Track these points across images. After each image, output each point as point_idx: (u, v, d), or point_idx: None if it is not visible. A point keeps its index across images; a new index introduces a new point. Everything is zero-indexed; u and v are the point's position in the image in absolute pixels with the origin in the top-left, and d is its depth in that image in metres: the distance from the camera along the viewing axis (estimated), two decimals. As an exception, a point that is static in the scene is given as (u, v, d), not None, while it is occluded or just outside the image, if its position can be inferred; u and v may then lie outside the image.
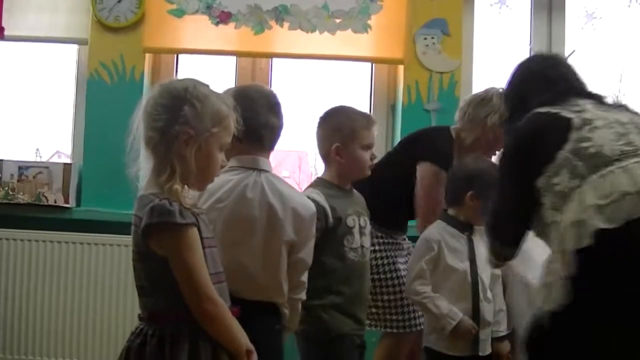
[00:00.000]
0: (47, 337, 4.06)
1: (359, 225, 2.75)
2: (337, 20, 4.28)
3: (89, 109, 4.25)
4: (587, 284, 2.00)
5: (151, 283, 1.93)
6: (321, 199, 2.65)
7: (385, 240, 3.35)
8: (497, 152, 3.43)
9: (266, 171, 2.38)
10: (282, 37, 4.30)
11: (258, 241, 2.30)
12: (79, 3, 4.34)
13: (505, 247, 2.43)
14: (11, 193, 4.13)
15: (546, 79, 2.42)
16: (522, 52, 4.60)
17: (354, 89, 4.60)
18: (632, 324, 1.97)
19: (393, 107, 4.45)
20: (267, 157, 2.43)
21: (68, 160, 4.43)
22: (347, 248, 2.69)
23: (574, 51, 4.36)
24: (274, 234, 2.31)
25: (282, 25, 4.28)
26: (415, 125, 4.06)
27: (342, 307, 2.66)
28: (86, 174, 4.22)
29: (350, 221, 2.71)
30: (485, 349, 2.93)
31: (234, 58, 4.49)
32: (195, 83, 2.01)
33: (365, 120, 2.80)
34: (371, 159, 2.80)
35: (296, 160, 5.94)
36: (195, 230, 1.89)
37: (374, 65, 4.52)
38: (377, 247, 3.24)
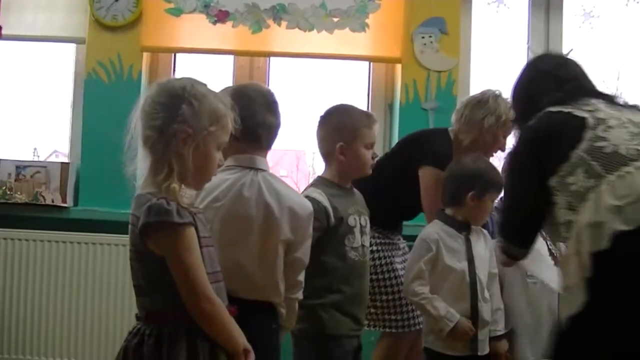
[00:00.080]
0: (45, 337, 4.06)
1: (360, 224, 2.75)
2: (335, 19, 4.28)
3: (86, 108, 4.25)
4: (603, 285, 2.00)
5: (148, 282, 1.93)
6: (323, 198, 2.65)
7: (383, 241, 3.35)
8: (494, 154, 3.44)
9: (263, 170, 2.37)
10: (279, 36, 4.30)
11: (255, 240, 2.29)
12: (76, 2, 4.34)
13: (517, 247, 2.43)
14: (9, 192, 4.13)
15: (556, 78, 2.41)
16: (519, 51, 4.62)
17: (352, 88, 4.60)
18: None
19: (391, 106, 4.45)
20: (265, 156, 2.42)
21: (65, 160, 4.42)
22: (348, 247, 2.69)
23: (571, 50, 4.35)
24: (270, 233, 2.30)
25: (279, 24, 4.28)
26: (413, 124, 4.07)
27: (341, 306, 2.66)
28: (84, 173, 4.21)
29: (351, 220, 2.71)
30: (484, 349, 2.93)
31: (231, 57, 4.48)
32: (193, 82, 2.00)
33: (367, 118, 2.80)
34: (372, 158, 2.80)
35: (294, 159, 5.94)
36: (192, 229, 1.89)
37: (371, 64, 4.52)
38: (374, 248, 3.23)
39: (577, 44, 4.46)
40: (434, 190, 3.21)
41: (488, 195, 2.97)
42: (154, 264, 1.88)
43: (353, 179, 2.83)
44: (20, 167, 4.18)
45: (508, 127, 3.39)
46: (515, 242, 2.43)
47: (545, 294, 3.09)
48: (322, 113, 2.82)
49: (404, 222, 3.57)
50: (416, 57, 4.27)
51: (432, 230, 2.99)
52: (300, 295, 2.42)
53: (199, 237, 1.90)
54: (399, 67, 4.34)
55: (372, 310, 3.28)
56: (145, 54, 4.32)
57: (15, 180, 4.15)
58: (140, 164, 1.99)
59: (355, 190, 2.85)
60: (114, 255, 4.04)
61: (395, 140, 4.21)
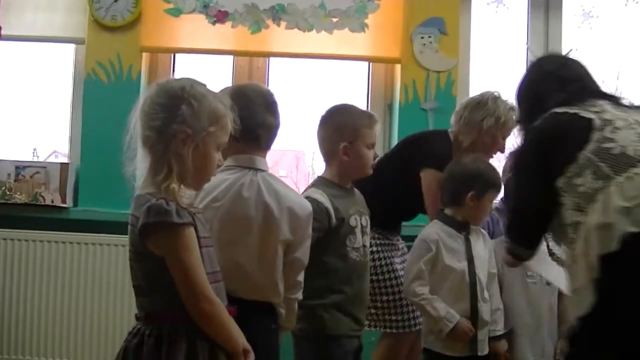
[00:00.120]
0: (44, 337, 4.06)
1: (361, 224, 2.75)
2: (334, 20, 4.28)
3: (86, 109, 4.25)
4: (612, 286, 2.00)
5: (148, 283, 1.93)
6: (324, 199, 2.65)
7: (382, 241, 3.36)
8: (494, 155, 3.44)
9: (263, 170, 2.37)
10: (279, 36, 4.30)
11: (254, 240, 2.29)
12: (75, 2, 4.34)
13: (523, 248, 2.43)
14: (8, 193, 4.13)
15: (560, 79, 2.41)
16: (519, 51, 4.62)
17: (351, 88, 4.60)
18: None
19: (390, 106, 4.45)
20: (264, 156, 2.42)
21: (65, 160, 4.42)
22: (349, 248, 2.69)
23: (571, 50, 4.35)
24: (269, 233, 2.30)
25: (279, 25, 4.28)
26: (413, 124, 4.07)
27: (342, 307, 2.65)
28: (83, 173, 4.22)
29: (352, 221, 2.71)
30: (484, 349, 2.93)
31: (231, 57, 4.49)
32: (192, 82, 2.00)
33: (369, 118, 2.79)
34: (373, 158, 2.80)
35: (293, 159, 5.93)
36: (192, 230, 1.89)
37: (371, 64, 4.52)
38: (374, 248, 3.23)
39: (576, 44, 4.46)
40: (437, 192, 3.21)
41: (487, 195, 2.97)
42: (154, 264, 1.88)
43: (353, 179, 2.83)
44: (19, 167, 4.18)
45: (507, 128, 3.40)
46: (522, 243, 2.43)
47: (545, 293, 3.10)
48: (323, 113, 2.81)
49: (403, 223, 3.57)
50: (415, 58, 4.27)
51: (431, 230, 2.99)
52: (299, 295, 2.41)
53: (198, 237, 1.90)
54: (398, 67, 4.35)
55: (373, 310, 3.28)
56: (144, 54, 4.32)
57: (15, 181, 4.15)
58: (139, 165, 1.99)
59: (355, 190, 2.85)
60: (113, 255, 4.04)
61: (395, 140, 4.22)
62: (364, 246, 2.76)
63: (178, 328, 1.89)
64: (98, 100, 4.19)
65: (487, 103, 3.39)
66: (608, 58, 4.61)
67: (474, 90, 4.33)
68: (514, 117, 3.42)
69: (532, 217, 2.35)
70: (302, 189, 2.97)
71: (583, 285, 2.05)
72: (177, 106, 1.93)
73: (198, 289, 1.86)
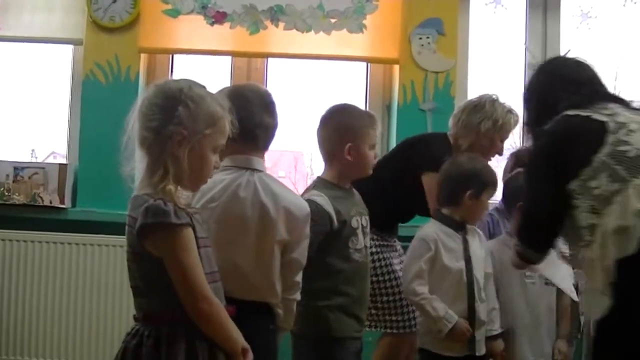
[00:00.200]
0: (43, 338, 4.06)
1: (362, 225, 2.74)
2: (333, 20, 4.28)
3: (84, 110, 4.25)
4: (628, 289, 2.01)
5: (146, 283, 1.93)
6: (325, 202, 2.63)
7: (380, 242, 3.36)
8: (492, 158, 3.44)
9: (260, 171, 2.36)
10: (277, 37, 4.30)
11: (250, 241, 2.29)
12: (74, 3, 4.33)
13: (534, 252, 2.43)
14: (6, 194, 4.13)
15: (570, 81, 2.40)
16: (517, 52, 4.62)
17: (350, 89, 4.60)
18: None
19: (388, 107, 4.45)
20: (262, 157, 2.42)
21: (63, 161, 4.42)
22: (352, 249, 2.68)
23: (569, 51, 4.35)
24: (266, 233, 2.29)
25: (277, 25, 4.28)
26: (411, 125, 4.08)
27: (347, 308, 2.65)
28: (82, 174, 4.22)
29: (354, 222, 2.70)
30: (481, 349, 2.93)
31: (229, 58, 4.49)
32: (190, 84, 2.00)
33: (370, 119, 2.78)
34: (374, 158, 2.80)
35: (292, 160, 5.94)
36: (190, 230, 1.89)
37: (369, 65, 4.53)
38: (373, 249, 3.23)
39: (574, 45, 4.46)
40: (439, 194, 3.22)
41: (485, 193, 2.97)
42: (152, 265, 1.87)
43: (353, 180, 2.82)
44: (18, 168, 4.18)
45: (505, 131, 3.42)
46: (533, 247, 2.43)
47: (544, 293, 3.10)
48: (324, 113, 2.79)
49: (399, 224, 3.57)
50: (414, 58, 4.28)
51: (430, 230, 2.99)
52: (297, 296, 2.41)
53: (196, 237, 1.90)
54: (396, 68, 4.35)
55: (373, 311, 3.28)
56: (142, 55, 4.32)
57: (13, 182, 4.15)
58: (137, 165, 1.99)
59: (354, 190, 2.85)
60: (111, 256, 4.04)
61: (393, 141, 4.22)
62: (365, 247, 2.76)
63: (177, 328, 1.89)
64: (96, 101, 4.19)
65: (484, 106, 3.41)
66: (606, 58, 4.61)
67: (472, 91, 4.35)
68: (511, 120, 3.43)
69: (544, 221, 2.34)
70: (300, 190, 2.97)
71: (599, 289, 2.05)
72: (174, 107, 1.93)
73: (196, 289, 1.86)
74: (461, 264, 2.92)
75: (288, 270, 2.35)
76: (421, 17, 4.29)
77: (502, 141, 3.45)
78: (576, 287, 3.18)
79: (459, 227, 2.98)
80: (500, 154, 3.49)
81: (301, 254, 2.37)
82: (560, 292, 3.12)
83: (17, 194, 4.13)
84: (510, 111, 3.44)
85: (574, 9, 4.59)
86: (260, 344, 2.11)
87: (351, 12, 4.29)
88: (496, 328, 3.00)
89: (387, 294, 3.31)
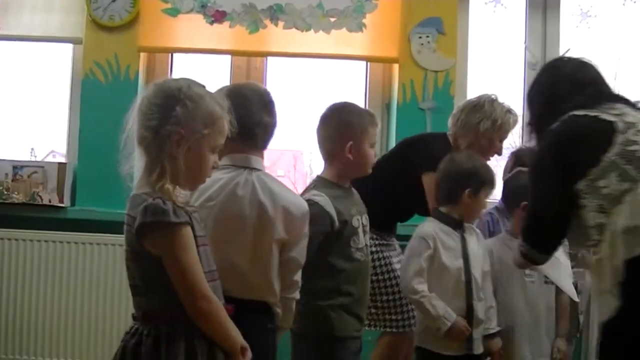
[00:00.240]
0: (42, 337, 4.06)
1: (362, 224, 2.74)
2: (332, 19, 4.28)
3: (83, 109, 4.25)
4: (636, 290, 2.01)
5: (145, 282, 1.93)
6: (326, 202, 2.62)
7: (380, 242, 3.36)
8: (491, 158, 3.45)
9: (258, 170, 2.36)
10: (276, 36, 4.30)
11: (248, 239, 2.29)
12: (73, 2, 4.34)
13: (538, 252, 2.43)
14: (6, 192, 4.13)
15: (576, 81, 2.40)
16: (517, 51, 4.62)
17: (349, 88, 4.60)
18: None
19: (388, 106, 4.45)
20: (260, 155, 2.42)
21: (63, 160, 4.42)
22: (353, 248, 2.68)
23: (568, 50, 4.37)
24: (264, 232, 2.29)
25: (276, 24, 4.28)
26: (410, 124, 4.08)
27: (348, 308, 2.65)
28: (81, 173, 4.21)
29: (355, 221, 2.69)
30: (479, 348, 2.93)
31: (228, 57, 4.49)
32: (190, 83, 1.99)
33: (370, 117, 2.78)
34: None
35: (291, 159, 5.94)
36: (189, 229, 1.89)
37: (368, 64, 4.53)
38: (372, 249, 3.22)
39: (574, 44, 4.46)
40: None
41: (483, 191, 2.97)
42: (150, 264, 1.87)
43: (352, 179, 2.81)
44: (17, 167, 4.18)
45: (504, 131, 3.43)
46: (538, 247, 2.43)
47: (543, 292, 3.10)
48: (324, 111, 2.78)
49: (398, 223, 3.57)
50: (413, 57, 4.27)
51: (429, 228, 2.98)
52: (297, 295, 2.40)
53: (195, 236, 1.90)
54: (396, 67, 4.35)
55: (373, 310, 3.29)
56: (142, 54, 4.32)
57: (13, 180, 4.15)
58: (136, 164, 1.99)
59: (353, 189, 2.84)
60: (111, 255, 4.04)
61: (393, 140, 4.22)
62: (366, 245, 2.76)
63: (176, 327, 1.88)
64: (96, 100, 4.19)
65: (483, 106, 3.42)
66: (606, 58, 4.61)
67: (472, 90, 4.35)
68: (510, 119, 3.44)
69: (550, 221, 2.34)
70: (300, 189, 2.96)
71: (607, 289, 2.05)
72: (172, 107, 1.93)
73: (196, 287, 1.86)
74: (460, 263, 2.92)
75: (286, 269, 2.35)
76: (421, 16, 4.28)
77: (501, 141, 3.45)
78: (575, 287, 3.18)
79: (457, 225, 2.98)
80: (500, 154, 3.50)
81: (300, 253, 2.37)
82: (559, 291, 3.13)
83: (16, 193, 4.12)
84: (509, 111, 3.44)
85: (573, 8, 4.59)
86: (259, 343, 2.10)
87: (351, 11, 4.29)
88: (493, 326, 3.00)
89: (387, 293, 3.31)
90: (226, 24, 4.28)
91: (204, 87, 2.03)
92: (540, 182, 2.36)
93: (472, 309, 2.89)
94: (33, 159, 4.64)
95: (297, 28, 4.28)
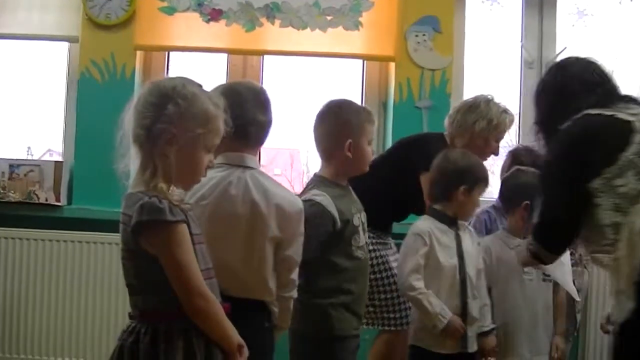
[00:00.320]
0: (39, 336, 4.06)
1: (362, 222, 2.73)
2: (329, 18, 4.28)
3: (80, 107, 4.25)
4: None
5: (141, 281, 1.93)
6: (328, 202, 2.60)
7: (376, 240, 3.36)
8: (487, 158, 3.44)
9: (252, 168, 2.35)
10: (273, 34, 4.30)
11: (241, 238, 2.28)
12: (69, 1, 4.33)
13: (547, 252, 2.43)
14: (2, 191, 4.13)
15: (584, 81, 2.40)
16: (513, 50, 4.62)
17: (346, 86, 4.60)
18: None
19: (384, 105, 4.46)
20: (255, 154, 2.41)
21: (59, 159, 4.42)
22: (354, 247, 2.67)
23: (565, 48, 4.37)
24: (257, 230, 2.29)
25: (273, 23, 4.28)
26: (407, 123, 4.08)
27: (348, 306, 2.65)
28: (77, 172, 4.21)
29: (355, 220, 2.69)
30: (473, 346, 2.92)
31: (225, 55, 4.48)
32: (185, 82, 1.98)
33: (367, 114, 2.76)
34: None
35: (288, 158, 5.93)
36: (185, 227, 1.88)
37: (365, 62, 4.53)
38: (370, 247, 3.22)
39: (570, 43, 4.47)
40: None
41: (477, 189, 2.97)
42: (147, 263, 1.87)
43: (350, 177, 2.80)
44: (13, 165, 4.18)
45: (500, 131, 3.43)
46: (548, 247, 2.43)
47: (541, 290, 3.10)
48: (320, 109, 2.75)
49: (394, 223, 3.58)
50: (410, 56, 4.27)
51: (424, 225, 2.97)
52: (294, 294, 2.39)
53: (191, 234, 1.90)
54: (392, 65, 4.35)
55: (371, 309, 3.29)
56: (138, 53, 4.31)
57: (9, 179, 4.15)
58: (132, 162, 1.99)
59: (350, 187, 2.84)
60: (107, 253, 4.04)
61: (389, 138, 4.22)
62: (366, 243, 2.76)
63: (173, 326, 1.88)
64: (92, 98, 4.19)
65: (479, 106, 3.43)
66: (602, 56, 4.59)
67: (468, 89, 4.36)
68: (506, 119, 3.44)
69: (562, 221, 2.33)
70: (297, 187, 2.96)
71: (623, 290, 2.05)
72: (164, 105, 1.92)
73: (192, 285, 1.86)
74: (454, 261, 2.91)
75: (282, 268, 2.34)
76: (417, 15, 4.28)
77: (497, 141, 3.46)
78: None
79: (452, 222, 2.98)
80: (496, 154, 3.50)
81: (295, 251, 2.35)
82: (556, 289, 3.13)
83: (12, 192, 4.12)
84: (505, 111, 3.44)
85: (570, 7, 4.60)
86: (256, 341, 2.09)
87: (347, 10, 4.28)
88: (487, 324, 2.99)
89: (385, 292, 3.32)
90: (222, 22, 4.27)
91: (200, 86, 2.02)
92: (552, 181, 2.35)
93: (466, 307, 2.89)
94: (29, 157, 4.63)
95: (293, 26, 4.28)
